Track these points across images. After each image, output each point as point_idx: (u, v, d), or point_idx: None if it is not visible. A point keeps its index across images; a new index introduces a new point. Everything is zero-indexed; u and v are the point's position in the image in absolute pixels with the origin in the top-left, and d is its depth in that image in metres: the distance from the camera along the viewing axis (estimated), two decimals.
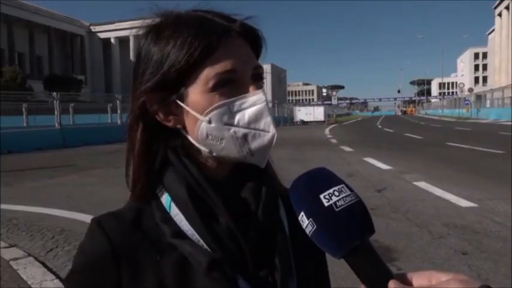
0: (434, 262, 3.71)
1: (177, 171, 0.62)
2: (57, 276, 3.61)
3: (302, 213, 0.50)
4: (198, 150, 0.62)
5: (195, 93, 0.59)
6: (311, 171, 0.53)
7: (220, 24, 0.59)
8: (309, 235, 0.49)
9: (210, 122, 0.59)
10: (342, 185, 0.50)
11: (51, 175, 9.63)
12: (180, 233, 0.59)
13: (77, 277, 0.61)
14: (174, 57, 0.58)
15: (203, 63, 0.58)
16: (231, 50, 0.59)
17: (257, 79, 0.62)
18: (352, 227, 0.48)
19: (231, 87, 0.59)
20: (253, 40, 0.63)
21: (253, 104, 0.59)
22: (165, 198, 0.62)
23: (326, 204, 0.48)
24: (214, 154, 0.61)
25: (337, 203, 0.48)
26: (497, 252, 3.90)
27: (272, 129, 0.59)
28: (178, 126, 0.62)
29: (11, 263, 3.94)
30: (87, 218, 5.37)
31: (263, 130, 0.59)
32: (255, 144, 0.59)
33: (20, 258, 4.06)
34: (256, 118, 0.59)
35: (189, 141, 0.62)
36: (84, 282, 0.59)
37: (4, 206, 6.17)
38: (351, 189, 0.50)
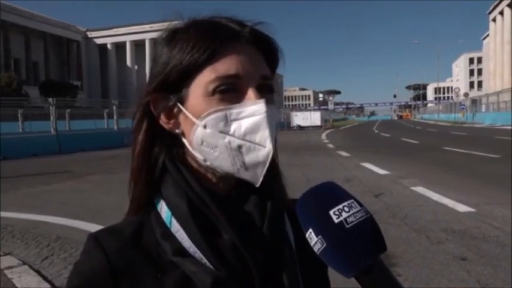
0: (433, 268, 3.68)
1: (176, 184, 0.59)
2: (53, 285, 3.56)
3: (310, 230, 0.48)
4: (197, 160, 0.60)
5: (195, 96, 0.57)
6: (318, 186, 0.51)
7: (230, 29, 0.58)
8: (318, 253, 0.47)
9: (205, 127, 0.56)
10: (351, 200, 0.48)
11: (47, 181, 9.56)
12: (181, 251, 0.56)
13: None
14: (178, 59, 0.57)
15: (205, 66, 0.56)
16: (236, 55, 0.56)
17: (264, 90, 0.58)
18: (364, 245, 0.46)
19: (232, 93, 0.56)
20: (266, 49, 0.60)
21: (251, 114, 0.55)
22: (165, 213, 0.59)
23: (336, 221, 0.46)
24: (208, 163, 0.58)
25: (348, 219, 0.46)
26: (497, 257, 3.88)
27: (268, 145, 0.54)
28: (177, 130, 0.60)
29: (6, 271, 3.88)
30: (84, 225, 5.31)
31: (258, 144, 0.55)
32: (249, 158, 0.55)
33: (15, 266, 4.00)
34: (253, 130, 0.55)
35: (187, 148, 0.60)
36: None
37: None
38: (360, 205, 0.48)
